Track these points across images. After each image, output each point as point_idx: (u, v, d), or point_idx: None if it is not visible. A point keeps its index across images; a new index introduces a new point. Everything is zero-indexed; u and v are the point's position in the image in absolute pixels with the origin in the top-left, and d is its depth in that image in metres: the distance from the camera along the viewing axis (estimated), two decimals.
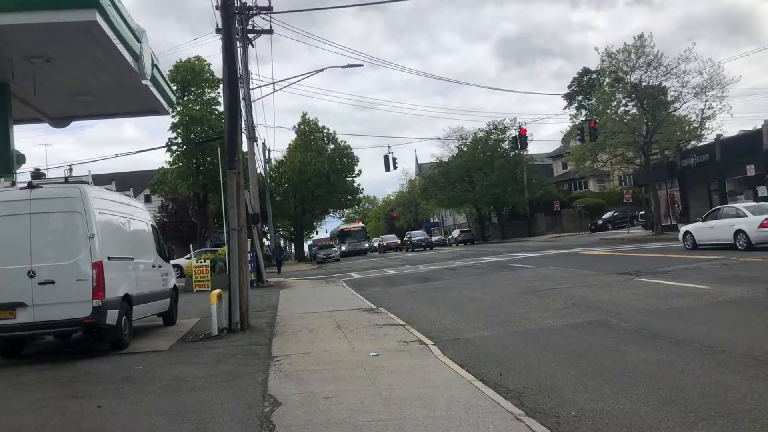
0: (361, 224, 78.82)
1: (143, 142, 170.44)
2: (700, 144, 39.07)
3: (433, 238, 69.73)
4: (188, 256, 32.05)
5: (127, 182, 55.54)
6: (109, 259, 10.25)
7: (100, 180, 13.30)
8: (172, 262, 16.72)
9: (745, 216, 21.41)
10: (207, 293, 17.70)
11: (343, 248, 65.68)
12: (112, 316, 10.14)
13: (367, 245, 70.60)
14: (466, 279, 20.92)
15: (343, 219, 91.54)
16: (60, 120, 18.52)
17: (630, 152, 42.47)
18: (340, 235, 71.54)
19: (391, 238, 72.64)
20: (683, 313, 10.49)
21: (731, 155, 34.60)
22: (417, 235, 67.41)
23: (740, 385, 6.24)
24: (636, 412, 5.76)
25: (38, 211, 9.94)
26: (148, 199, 56.76)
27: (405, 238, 69.20)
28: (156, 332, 12.95)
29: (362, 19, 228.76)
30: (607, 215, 57.10)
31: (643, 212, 47.91)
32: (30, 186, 10.29)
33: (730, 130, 56.21)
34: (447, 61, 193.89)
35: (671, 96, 39.10)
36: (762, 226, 20.55)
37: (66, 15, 11.49)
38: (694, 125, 38.66)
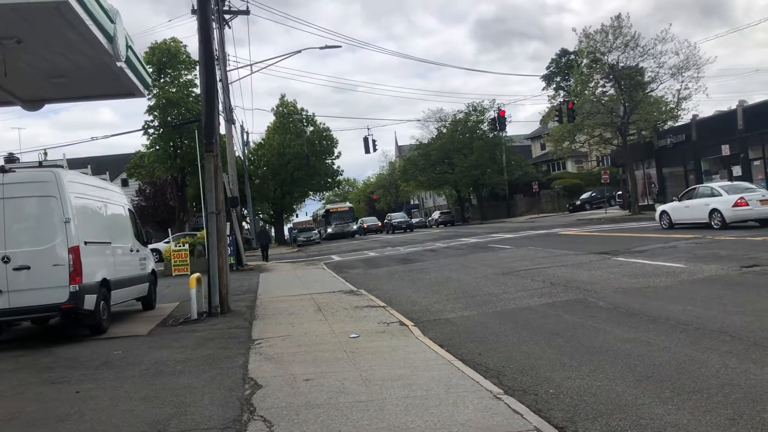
0: (348, 204, 75.61)
1: (119, 125, 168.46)
2: (677, 124, 39.49)
3: (414, 220, 69.55)
4: (167, 240, 31.85)
5: (103, 166, 54.71)
6: (85, 243, 10.13)
7: (75, 164, 13.11)
8: (151, 246, 16.63)
9: (720, 195, 21.74)
10: (186, 277, 17.61)
11: (329, 230, 63.33)
12: (89, 301, 10.06)
13: (355, 227, 67.10)
14: (446, 260, 21.01)
15: (323, 201, 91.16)
16: (33, 103, 18.10)
17: (607, 133, 42.81)
18: (326, 216, 68.09)
19: (371, 221, 72.14)
20: (659, 292, 10.64)
21: (707, 135, 35.03)
22: (397, 217, 67.16)
23: (714, 361, 6.36)
24: (613, 389, 5.85)
25: (12, 195, 9.80)
26: (125, 183, 56.21)
27: (385, 220, 68.84)
28: (135, 317, 12.87)
29: (340, 2, 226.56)
30: (585, 196, 57.59)
31: (620, 192, 48.39)
32: (2, 170, 10.13)
33: (706, 111, 56.89)
34: (424, 44, 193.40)
35: (648, 76, 39.45)
36: (736, 205, 20.90)
37: None
38: (671, 106, 39.05)
